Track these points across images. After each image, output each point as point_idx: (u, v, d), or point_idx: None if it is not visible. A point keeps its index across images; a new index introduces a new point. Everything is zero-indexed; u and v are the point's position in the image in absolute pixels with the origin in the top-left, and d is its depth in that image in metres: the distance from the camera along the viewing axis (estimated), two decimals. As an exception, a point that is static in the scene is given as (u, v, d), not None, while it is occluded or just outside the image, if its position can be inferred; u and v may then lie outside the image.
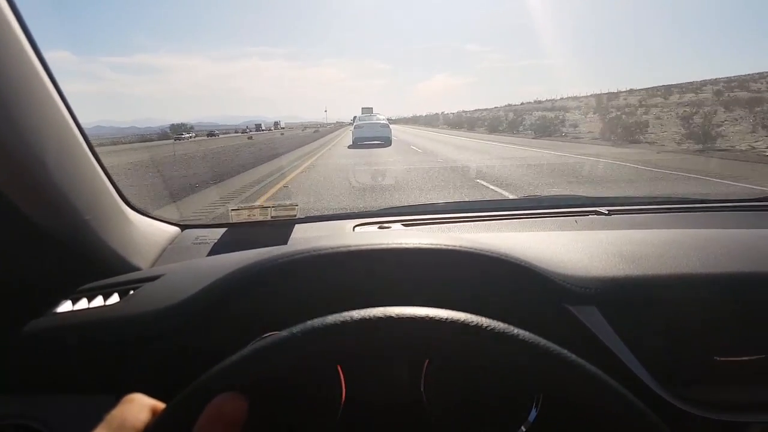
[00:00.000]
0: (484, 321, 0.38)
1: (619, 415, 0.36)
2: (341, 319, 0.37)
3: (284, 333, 0.37)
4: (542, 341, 0.37)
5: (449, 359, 0.54)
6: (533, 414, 0.65)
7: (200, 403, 0.34)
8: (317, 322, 0.37)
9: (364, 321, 0.37)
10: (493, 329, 0.37)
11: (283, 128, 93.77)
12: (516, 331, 0.38)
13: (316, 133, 43.87)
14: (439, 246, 0.65)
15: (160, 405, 0.37)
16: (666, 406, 0.63)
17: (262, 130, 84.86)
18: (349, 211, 1.37)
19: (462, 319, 0.37)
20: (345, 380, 0.66)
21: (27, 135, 0.67)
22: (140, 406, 0.36)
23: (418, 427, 0.66)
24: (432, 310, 0.37)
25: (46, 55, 0.72)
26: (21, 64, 0.66)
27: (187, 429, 0.33)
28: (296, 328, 0.37)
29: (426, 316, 0.37)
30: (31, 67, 0.68)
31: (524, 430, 0.65)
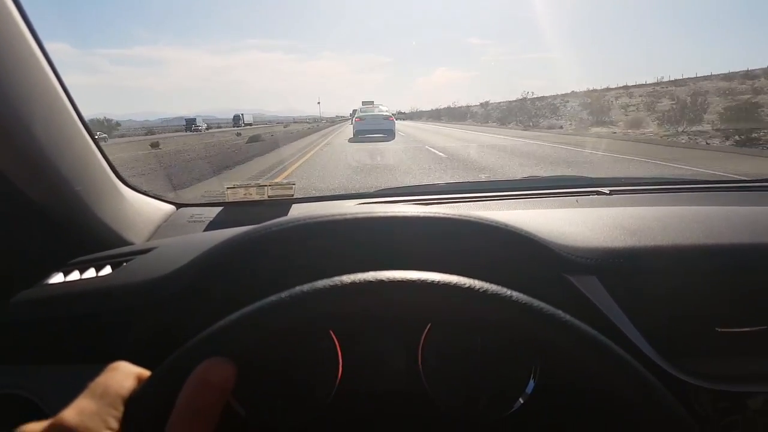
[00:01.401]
0: (486, 285, 0.37)
1: (622, 386, 0.35)
2: (331, 283, 0.36)
3: (272, 298, 0.36)
4: (547, 306, 0.36)
5: (451, 323, 0.53)
6: (531, 385, 0.64)
7: (186, 369, 0.33)
8: (306, 287, 0.36)
9: (355, 285, 0.36)
10: (494, 293, 0.36)
11: (249, 124, 75.58)
12: (515, 294, 0.37)
13: (291, 132, 29.19)
14: (438, 215, 0.64)
15: (146, 372, 0.36)
16: (667, 376, 0.62)
17: (197, 129, 54.95)
18: (348, 191, 1.36)
19: (466, 284, 0.36)
20: (341, 351, 0.65)
21: (15, 104, 0.66)
22: (125, 373, 0.35)
23: (415, 398, 0.66)
24: (436, 274, 0.36)
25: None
26: (12, 38, 0.65)
27: (173, 395, 0.32)
28: (284, 293, 0.36)
29: (429, 279, 0.36)
30: (23, 40, 0.67)
31: (522, 401, 0.64)
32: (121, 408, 0.33)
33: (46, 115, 0.72)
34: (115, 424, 0.32)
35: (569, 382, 0.38)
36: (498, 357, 0.65)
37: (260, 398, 0.63)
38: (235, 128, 59.11)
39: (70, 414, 0.31)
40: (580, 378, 0.36)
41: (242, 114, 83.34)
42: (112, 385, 0.34)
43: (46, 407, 0.64)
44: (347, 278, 0.36)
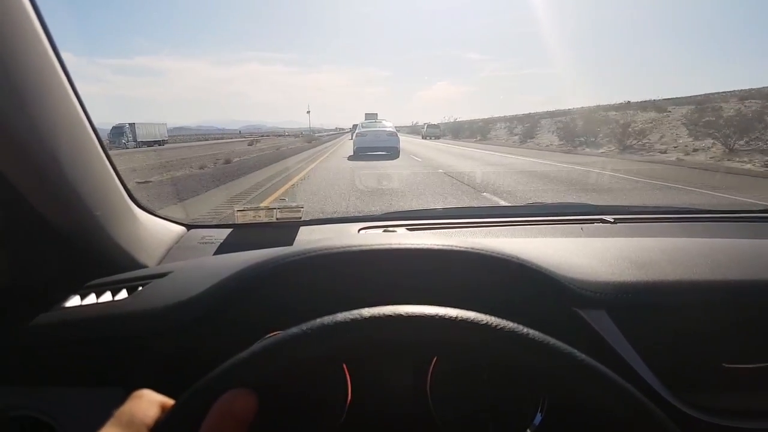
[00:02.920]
0: (493, 320, 0.38)
1: (632, 420, 0.36)
2: (351, 316, 0.37)
3: (294, 329, 0.37)
4: (555, 341, 0.37)
5: (458, 357, 0.54)
6: (538, 418, 0.65)
7: (209, 399, 0.34)
8: (327, 319, 0.37)
9: (374, 319, 0.37)
10: (502, 328, 0.37)
11: (159, 142, 43.71)
12: (526, 330, 0.38)
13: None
14: (446, 247, 0.66)
15: (169, 401, 0.37)
16: (674, 411, 0.63)
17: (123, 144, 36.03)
18: (353, 214, 1.38)
19: (471, 318, 0.38)
20: (351, 381, 0.66)
21: (42, 132, 0.67)
22: (149, 402, 0.36)
23: (424, 425, 0.66)
24: (441, 309, 0.38)
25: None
26: (39, 62, 0.67)
27: (196, 425, 0.33)
28: (306, 325, 0.37)
29: (436, 314, 0.37)
30: (49, 65, 0.69)
31: None
32: None
33: (69, 138, 0.74)
34: None
35: (576, 415, 0.39)
36: (505, 388, 0.66)
37: (271, 423, 0.63)
38: (120, 146, 35.32)
39: None
40: (586, 410, 0.37)
41: (128, 124, 41.79)
42: (137, 413, 0.35)
43: (61, 429, 0.64)
44: (367, 312, 0.37)
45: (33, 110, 0.65)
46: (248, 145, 31.57)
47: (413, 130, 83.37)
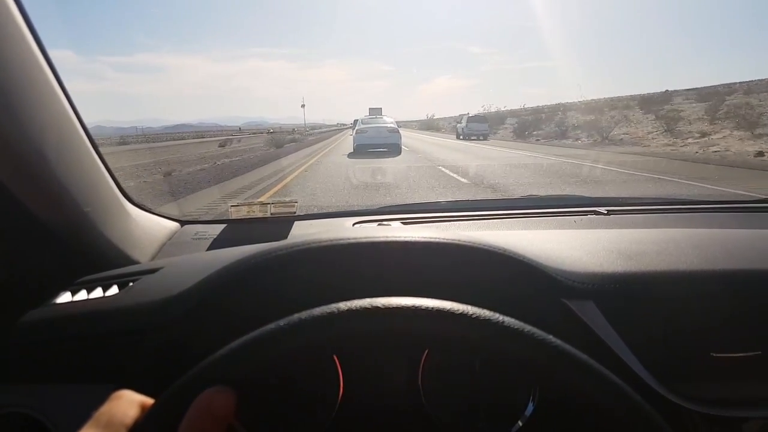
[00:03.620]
0: (479, 311, 0.38)
1: (618, 410, 0.36)
2: (328, 310, 0.37)
3: (272, 325, 0.37)
4: (542, 333, 0.37)
5: (449, 349, 0.54)
6: (530, 408, 0.65)
7: (189, 397, 0.34)
8: (305, 314, 0.37)
9: (350, 312, 0.37)
10: (487, 319, 0.37)
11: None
12: (515, 322, 0.38)
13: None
14: (436, 240, 0.66)
15: (149, 401, 0.37)
16: (662, 401, 0.63)
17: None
18: (348, 209, 1.38)
19: (459, 310, 0.38)
20: (342, 371, 0.66)
21: (28, 127, 0.67)
22: (129, 402, 0.36)
23: (416, 418, 0.67)
24: (433, 301, 0.38)
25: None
26: (23, 57, 0.67)
27: (175, 424, 0.33)
28: (283, 321, 0.37)
29: (429, 306, 0.37)
30: (33, 59, 0.69)
31: (521, 424, 0.65)
32: None
33: (56, 135, 0.74)
34: None
35: (567, 406, 0.39)
36: (497, 379, 0.66)
37: (262, 418, 0.64)
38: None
39: None
40: (576, 402, 0.38)
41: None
42: (117, 414, 0.35)
43: (53, 427, 0.65)
44: (344, 305, 0.37)
45: (17, 106, 0.65)
46: (219, 146, 26.36)
47: (427, 125, 68.02)
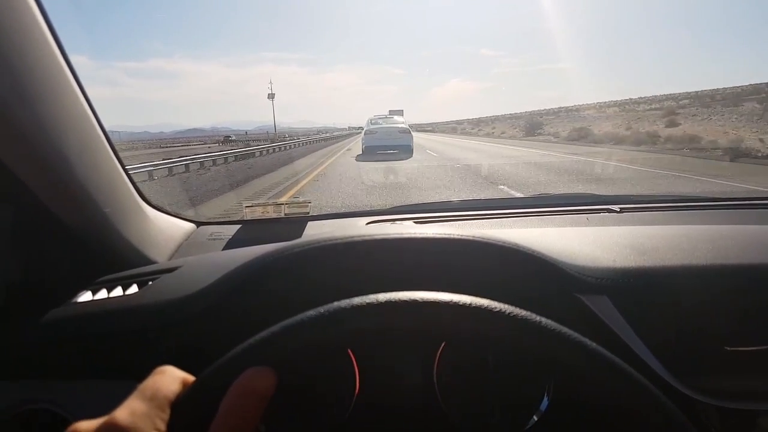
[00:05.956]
0: (496, 304, 0.38)
1: (636, 406, 0.36)
2: (367, 300, 0.38)
3: (312, 311, 0.38)
4: (562, 328, 0.38)
5: (467, 343, 0.55)
6: (545, 403, 0.66)
7: (230, 376, 0.35)
8: (344, 302, 0.38)
9: (389, 303, 0.37)
10: (504, 312, 0.38)
11: None
12: (533, 316, 0.38)
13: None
14: (451, 237, 0.66)
15: (190, 378, 0.38)
16: (676, 394, 0.63)
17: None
18: (361, 209, 1.39)
19: (477, 303, 0.38)
20: (358, 368, 0.67)
21: (51, 131, 0.69)
22: (172, 377, 0.37)
23: (431, 414, 0.67)
24: (448, 295, 0.38)
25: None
26: (46, 62, 0.69)
27: (217, 401, 0.34)
28: (324, 308, 0.38)
29: (441, 299, 0.38)
30: (55, 63, 0.70)
31: (536, 418, 0.65)
32: (168, 411, 0.34)
33: (77, 138, 0.75)
34: (162, 426, 0.33)
35: (583, 400, 0.39)
36: (512, 374, 0.67)
37: (279, 415, 0.65)
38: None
39: (121, 414, 0.33)
40: (593, 396, 0.38)
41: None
42: (161, 388, 0.35)
43: (74, 421, 0.66)
44: (382, 296, 0.38)
45: (41, 110, 0.67)
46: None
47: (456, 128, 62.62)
